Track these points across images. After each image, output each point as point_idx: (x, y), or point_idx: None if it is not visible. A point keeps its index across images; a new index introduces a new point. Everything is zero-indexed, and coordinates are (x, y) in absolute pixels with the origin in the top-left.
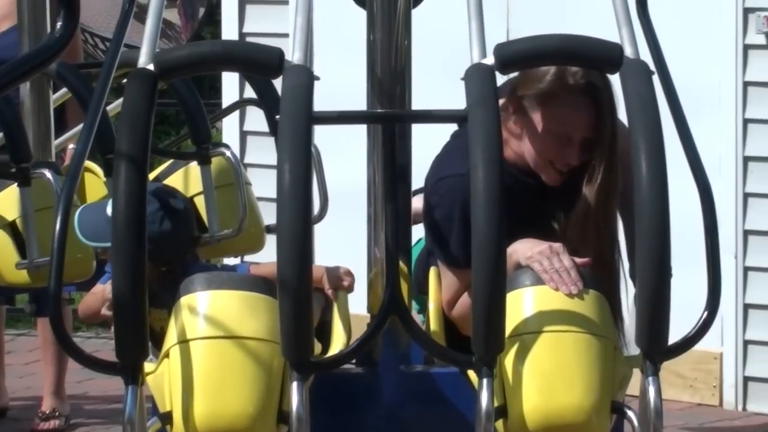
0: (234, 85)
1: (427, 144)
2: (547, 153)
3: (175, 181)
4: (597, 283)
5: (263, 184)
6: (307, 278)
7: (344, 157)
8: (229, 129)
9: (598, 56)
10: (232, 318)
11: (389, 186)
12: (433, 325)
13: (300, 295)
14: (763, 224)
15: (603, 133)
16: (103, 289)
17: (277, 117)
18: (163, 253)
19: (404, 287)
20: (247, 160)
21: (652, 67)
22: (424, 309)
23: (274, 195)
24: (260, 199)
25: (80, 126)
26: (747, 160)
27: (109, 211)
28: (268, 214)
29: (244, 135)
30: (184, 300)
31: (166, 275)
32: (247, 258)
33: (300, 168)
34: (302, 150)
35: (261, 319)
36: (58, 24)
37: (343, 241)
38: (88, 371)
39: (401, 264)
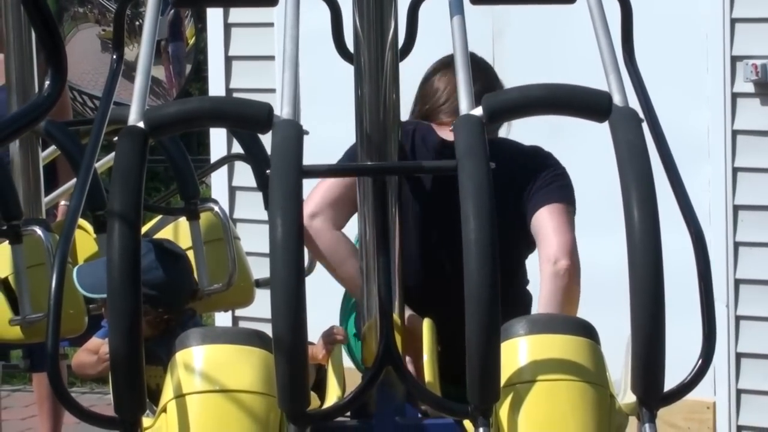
0: (222, 141)
1: None
2: None
3: (164, 236)
4: (592, 331)
5: (252, 239)
6: (301, 330)
7: None
8: (218, 184)
9: (587, 105)
10: (228, 372)
11: (380, 238)
12: (428, 375)
13: (295, 347)
14: (755, 273)
15: None
16: (102, 344)
17: (267, 171)
18: (165, 300)
19: (398, 339)
20: (236, 215)
21: (642, 114)
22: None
23: (263, 249)
24: (249, 253)
25: (71, 182)
26: (737, 208)
27: None
28: (257, 269)
29: (233, 190)
30: (180, 355)
31: (163, 329)
32: (237, 312)
33: (292, 222)
34: (293, 204)
35: (257, 372)
36: (46, 83)
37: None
38: (85, 426)
39: (395, 316)
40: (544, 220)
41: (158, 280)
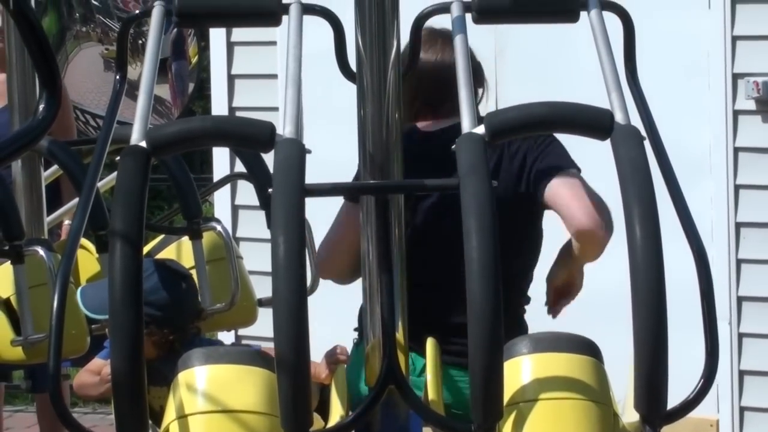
0: (225, 160)
1: None
2: None
3: (167, 256)
4: (595, 350)
5: (255, 258)
6: (304, 351)
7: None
8: (221, 203)
9: (589, 123)
10: (231, 392)
11: (383, 257)
12: (432, 394)
13: (298, 368)
14: (757, 290)
15: None
16: (104, 365)
17: (270, 191)
18: (171, 320)
19: (401, 358)
20: (239, 234)
21: (644, 132)
22: None
23: (265, 268)
24: (252, 272)
25: (73, 202)
26: (739, 226)
27: None
28: (260, 288)
29: (235, 209)
30: (182, 375)
31: (169, 349)
32: (241, 332)
33: (294, 242)
34: (296, 223)
35: (259, 392)
36: (41, 106)
37: (337, 310)
38: None
39: (398, 335)
40: (559, 192)
41: (163, 300)
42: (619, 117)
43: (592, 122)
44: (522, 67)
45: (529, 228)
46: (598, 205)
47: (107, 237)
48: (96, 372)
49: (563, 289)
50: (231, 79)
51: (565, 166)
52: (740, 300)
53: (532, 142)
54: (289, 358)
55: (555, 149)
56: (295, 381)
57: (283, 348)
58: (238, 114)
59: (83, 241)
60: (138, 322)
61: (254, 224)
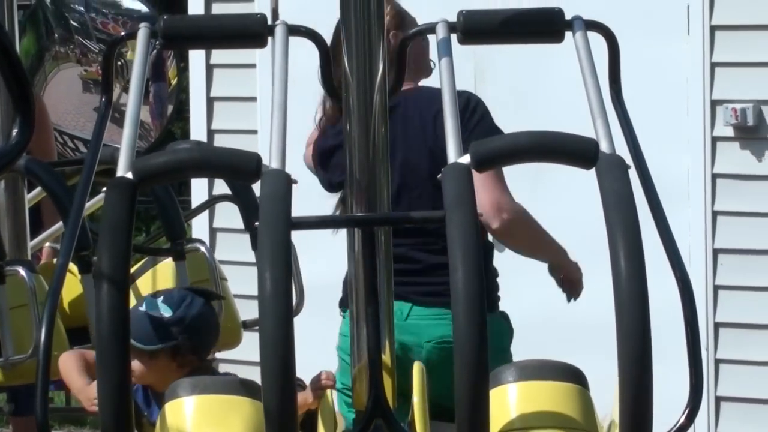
0: (203, 182)
1: None
2: None
3: (149, 278)
4: (581, 377)
5: (234, 280)
6: (291, 384)
7: (321, 253)
8: (199, 226)
9: (574, 152)
10: (218, 422)
11: (369, 289)
12: (419, 425)
13: (284, 401)
14: (734, 317)
15: None
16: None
17: (257, 224)
18: (209, 345)
19: (388, 387)
20: (218, 256)
21: (629, 158)
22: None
23: (246, 291)
24: (233, 295)
25: (56, 226)
26: (716, 252)
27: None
28: (242, 310)
29: (213, 231)
30: (170, 406)
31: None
32: (225, 354)
33: (281, 277)
34: (282, 257)
35: (246, 422)
36: (14, 131)
37: (320, 335)
38: None
39: (385, 357)
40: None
41: (206, 327)
42: (603, 146)
43: (577, 152)
44: (501, 90)
45: None
46: (503, 210)
47: (89, 258)
48: (87, 365)
49: (566, 275)
50: (210, 101)
51: None
52: (717, 326)
53: (467, 111)
54: (275, 392)
55: (483, 125)
56: (282, 417)
57: (269, 382)
58: (218, 136)
59: None
60: (125, 357)
61: (233, 247)
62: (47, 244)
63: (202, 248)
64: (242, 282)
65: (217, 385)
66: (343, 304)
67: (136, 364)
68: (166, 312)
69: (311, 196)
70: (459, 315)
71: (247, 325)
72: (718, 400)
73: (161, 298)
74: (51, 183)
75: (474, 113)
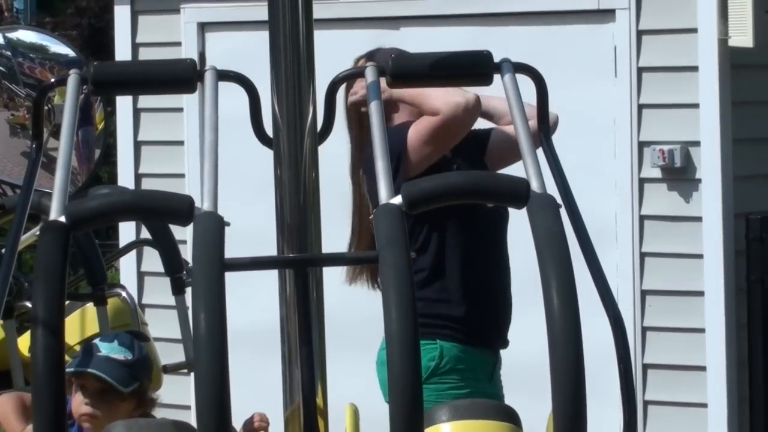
0: (131, 226)
1: None
2: None
3: (71, 322)
4: (513, 416)
5: (160, 324)
6: (227, 424)
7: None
8: (126, 269)
9: (505, 192)
10: None
11: (302, 329)
12: None
13: None
14: (662, 358)
15: None
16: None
17: (189, 265)
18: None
19: (321, 426)
20: (145, 300)
21: (559, 199)
22: None
23: (171, 335)
24: (157, 339)
25: None
26: (644, 293)
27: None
28: (165, 354)
29: (141, 275)
30: None
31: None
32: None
33: (216, 317)
34: (216, 299)
35: None
36: None
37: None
38: None
39: (318, 400)
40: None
41: (149, 371)
42: (534, 185)
43: (509, 192)
44: None
45: None
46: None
47: (11, 303)
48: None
49: None
50: (137, 145)
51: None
52: (645, 367)
53: None
54: None
55: None
56: None
57: (206, 422)
58: (145, 180)
59: None
60: (61, 399)
61: (160, 291)
62: None
63: (123, 293)
64: (171, 326)
65: (151, 427)
66: None
67: (97, 407)
68: (127, 355)
69: (245, 238)
70: (393, 356)
71: (168, 370)
72: None
73: (115, 341)
74: None
75: None
